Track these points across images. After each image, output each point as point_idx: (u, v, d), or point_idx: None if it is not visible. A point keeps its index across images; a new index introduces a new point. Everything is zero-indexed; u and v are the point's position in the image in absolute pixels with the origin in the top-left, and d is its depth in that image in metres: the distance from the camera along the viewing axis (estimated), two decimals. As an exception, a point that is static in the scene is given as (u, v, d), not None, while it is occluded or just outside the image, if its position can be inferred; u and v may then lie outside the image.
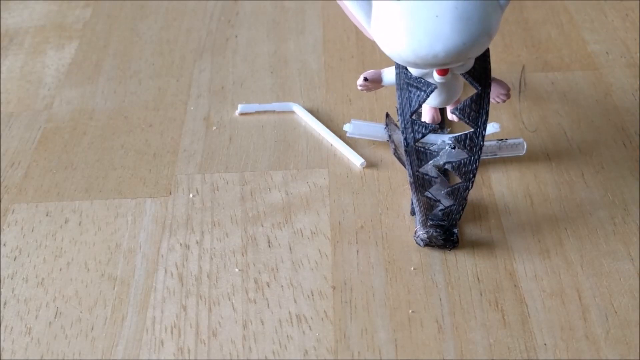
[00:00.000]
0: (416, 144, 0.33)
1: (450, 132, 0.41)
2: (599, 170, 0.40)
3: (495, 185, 0.39)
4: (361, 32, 0.50)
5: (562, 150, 0.41)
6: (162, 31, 0.53)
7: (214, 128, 0.44)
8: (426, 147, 0.33)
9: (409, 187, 0.35)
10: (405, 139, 0.33)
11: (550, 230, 0.37)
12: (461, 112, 0.33)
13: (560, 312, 0.33)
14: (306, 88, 0.47)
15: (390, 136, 0.36)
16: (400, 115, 0.33)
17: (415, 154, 0.33)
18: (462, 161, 0.34)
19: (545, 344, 0.32)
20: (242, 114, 0.45)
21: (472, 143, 0.33)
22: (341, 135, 0.43)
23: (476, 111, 0.33)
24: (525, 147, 0.40)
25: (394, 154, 0.37)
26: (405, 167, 0.34)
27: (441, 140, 0.39)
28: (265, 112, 0.45)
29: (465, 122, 0.33)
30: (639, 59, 0.47)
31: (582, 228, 0.37)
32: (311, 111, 0.45)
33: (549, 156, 0.41)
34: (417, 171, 0.33)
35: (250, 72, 0.49)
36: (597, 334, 0.32)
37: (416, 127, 0.33)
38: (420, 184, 0.34)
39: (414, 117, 0.33)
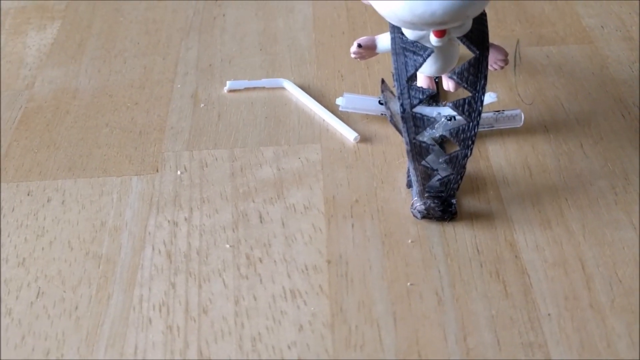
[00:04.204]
0: (412, 110, 0.32)
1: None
2: (598, 140, 0.39)
3: (493, 157, 0.38)
4: (352, 9, 0.49)
5: (559, 122, 0.40)
6: (148, 11, 0.52)
7: (202, 105, 0.43)
8: (423, 114, 0.32)
9: (405, 157, 0.34)
10: (401, 104, 0.32)
11: (551, 201, 0.36)
12: (459, 76, 0.32)
13: (563, 282, 0.32)
14: (296, 64, 0.46)
15: (385, 103, 0.35)
16: (396, 81, 0.32)
17: (412, 121, 0.32)
18: (461, 127, 0.32)
19: (549, 314, 0.31)
20: (230, 90, 0.44)
21: (471, 108, 0.32)
22: (334, 110, 0.41)
23: (474, 75, 0.32)
24: (522, 118, 0.39)
25: (390, 121, 0.35)
26: (401, 134, 0.33)
27: (437, 113, 0.38)
28: (254, 88, 0.44)
29: (464, 86, 0.32)
30: (638, 32, 0.46)
31: (582, 198, 0.36)
32: (302, 87, 0.43)
33: (547, 128, 0.40)
34: (414, 138, 0.32)
35: (238, 49, 0.47)
36: (602, 302, 0.31)
37: (413, 93, 0.32)
38: (417, 152, 0.33)
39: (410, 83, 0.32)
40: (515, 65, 0.44)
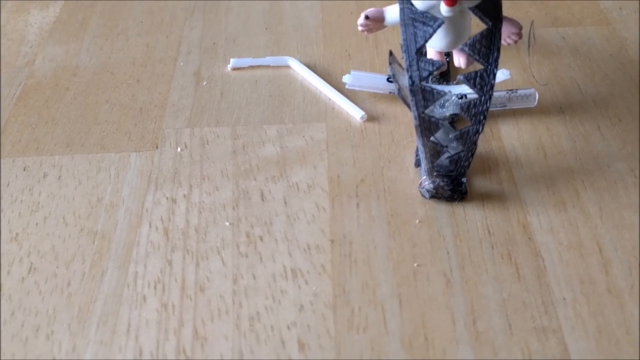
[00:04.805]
0: (422, 83, 0.31)
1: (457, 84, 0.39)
2: (616, 122, 0.37)
3: (505, 137, 0.37)
4: (361, -11, 0.48)
5: (575, 103, 0.39)
6: (152, -9, 0.51)
7: (205, 83, 0.42)
8: (434, 80, 0.31)
9: (414, 135, 0.32)
10: (410, 77, 0.30)
11: (566, 183, 0.34)
12: (471, 47, 0.30)
13: (579, 265, 0.30)
14: (302, 44, 0.44)
15: (393, 76, 0.34)
16: (405, 52, 0.31)
17: (421, 94, 0.31)
18: (472, 102, 0.31)
19: (564, 298, 0.29)
20: (234, 68, 0.42)
21: (483, 82, 0.31)
22: (340, 88, 0.40)
23: (487, 47, 0.30)
24: (537, 98, 0.37)
25: (398, 94, 0.34)
26: (410, 109, 0.32)
27: (448, 91, 0.37)
28: (259, 67, 0.42)
29: (475, 58, 0.30)
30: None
31: (600, 180, 0.34)
32: (308, 66, 0.42)
33: (562, 109, 0.38)
34: (423, 112, 0.31)
35: (243, 29, 0.46)
36: (620, 287, 0.30)
37: (422, 65, 0.30)
38: (426, 127, 0.31)
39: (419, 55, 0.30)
40: (529, 47, 0.42)
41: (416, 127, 0.31)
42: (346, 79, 0.39)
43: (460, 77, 0.31)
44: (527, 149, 0.36)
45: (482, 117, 0.31)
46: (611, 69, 0.41)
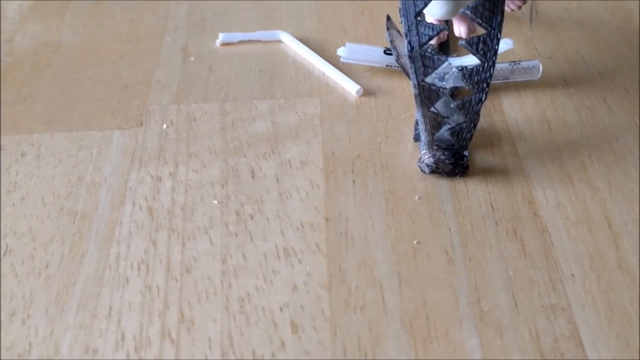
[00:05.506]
0: (422, 49, 0.29)
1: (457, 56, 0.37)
2: (623, 95, 0.36)
3: (508, 111, 0.35)
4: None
5: (580, 76, 0.37)
6: (138, -33, 0.49)
7: (192, 59, 0.40)
8: (432, 52, 0.29)
9: (413, 110, 0.31)
10: (409, 42, 0.29)
11: (572, 157, 0.32)
12: (473, 11, 0.29)
13: (587, 240, 0.29)
14: (295, 18, 0.43)
15: (392, 41, 0.32)
16: (404, 16, 0.29)
17: (421, 61, 0.29)
18: (475, 69, 0.29)
19: (573, 275, 0.28)
20: (223, 44, 0.40)
21: (486, 47, 0.29)
22: (335, 63, 0.38)
23: (490, 10, 0.29)
24: (540, 70, 0.36)
25: (397, 62, 0.32)
26: (409, 77, 0.30)
27: (447, 63, 0.35)
28: (249, 42, 0.41)
29: (478, 22, 0.29)
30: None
31: (607, 154, 0.33)
32: (301, 41, 0.40)
33: (567, 82, 0.37)
34: (423, 80, 0.29)
35: (233, 3, 0.44)
36: (631, 263, 0.28)
37: (421, 30, 0.29)
38: (425, 95, 0.29)
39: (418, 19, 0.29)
40: (531, 20, 0.41)
41: (415, 96, 0.29)
42: (341, 52, 0.37)
43: (461, 42, 0.29)
44: (530, 122, 0.34)
45: (485, 85, 0.29)
46: (617, 41, 0.39)
